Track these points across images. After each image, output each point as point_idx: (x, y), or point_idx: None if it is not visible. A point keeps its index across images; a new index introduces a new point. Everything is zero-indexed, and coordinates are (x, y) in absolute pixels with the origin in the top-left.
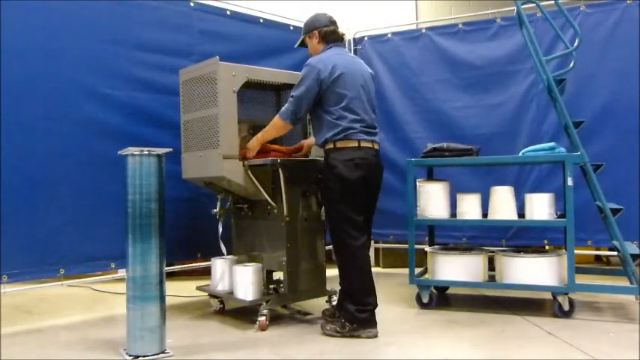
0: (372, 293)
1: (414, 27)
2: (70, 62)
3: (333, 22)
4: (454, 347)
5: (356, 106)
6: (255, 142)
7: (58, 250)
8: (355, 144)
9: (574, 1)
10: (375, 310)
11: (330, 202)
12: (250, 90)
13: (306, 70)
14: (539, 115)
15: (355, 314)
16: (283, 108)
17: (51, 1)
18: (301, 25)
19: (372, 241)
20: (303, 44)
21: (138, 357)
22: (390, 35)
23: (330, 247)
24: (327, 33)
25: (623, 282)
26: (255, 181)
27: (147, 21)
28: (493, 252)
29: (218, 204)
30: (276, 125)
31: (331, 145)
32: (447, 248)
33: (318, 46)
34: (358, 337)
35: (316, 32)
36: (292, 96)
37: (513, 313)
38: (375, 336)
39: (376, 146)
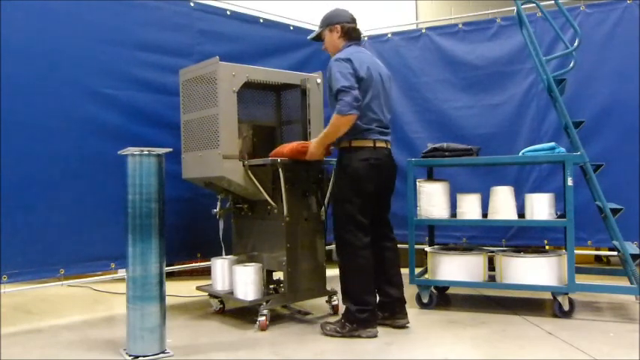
0: (372, 293)
1: (414, 27)
2: (70, 62)
3: (354, 20)
4: (454, 347)
5: (375, 105)
6: (316, 146)
7: (58, 250)
8: (371, 144)
9: (574, 1)
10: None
11: (338, 201)
12: (250, 90)
13: (340, 65)
14: (539, 115)
15: (355, 314)
16: (338, 105)
17: (51, 1)
18: (301, 25)
19: None
20: (318, 38)
21: (138, 357)
22: (390, 35)
23: (330, 247)
24: (350, 30)
25: (623, 282)
26: (255, 181)
27: (147, 21)
28: (493, 252)
29: (218, 204)
30: (339, 123)
31: (346, 144)
32: (447, 248)
33: (338, 42)
34: (358, 337)
35: (339, 27)
36: (340, 90)
37: (513, 313)
38: (375, 336)
39: (389, 146)
